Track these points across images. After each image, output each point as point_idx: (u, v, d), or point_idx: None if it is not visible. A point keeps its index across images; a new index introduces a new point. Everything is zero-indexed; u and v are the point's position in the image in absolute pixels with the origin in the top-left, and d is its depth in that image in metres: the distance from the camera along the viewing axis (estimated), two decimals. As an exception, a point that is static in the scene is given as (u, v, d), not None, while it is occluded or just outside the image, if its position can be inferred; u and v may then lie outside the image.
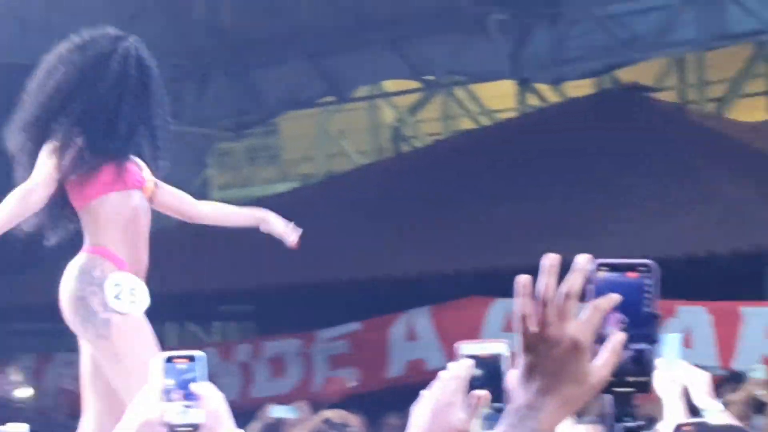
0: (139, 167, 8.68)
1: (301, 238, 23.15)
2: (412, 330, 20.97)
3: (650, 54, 24.03)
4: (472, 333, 18.72)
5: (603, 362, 2.83)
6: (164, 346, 24.84)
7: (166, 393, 3.87)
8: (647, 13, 22.95)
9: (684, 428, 7.65)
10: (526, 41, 24.90)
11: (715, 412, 8.03)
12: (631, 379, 2.94)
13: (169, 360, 4.04)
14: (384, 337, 21.33)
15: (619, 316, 2.94)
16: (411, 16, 24.69)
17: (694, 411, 8.28)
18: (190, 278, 24.32)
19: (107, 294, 8.54)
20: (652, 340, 2.95)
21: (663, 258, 18.22)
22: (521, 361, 2.93)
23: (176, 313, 26.45)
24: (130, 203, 8.53)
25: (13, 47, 25.08)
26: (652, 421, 8.99)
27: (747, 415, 14.37)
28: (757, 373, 16.47)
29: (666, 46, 24.00)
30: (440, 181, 24.68)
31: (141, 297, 8.65)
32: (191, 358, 4.04)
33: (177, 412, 3.81)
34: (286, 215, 24.20)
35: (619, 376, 2.91)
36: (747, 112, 27.30)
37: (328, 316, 22.26)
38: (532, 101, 27.68)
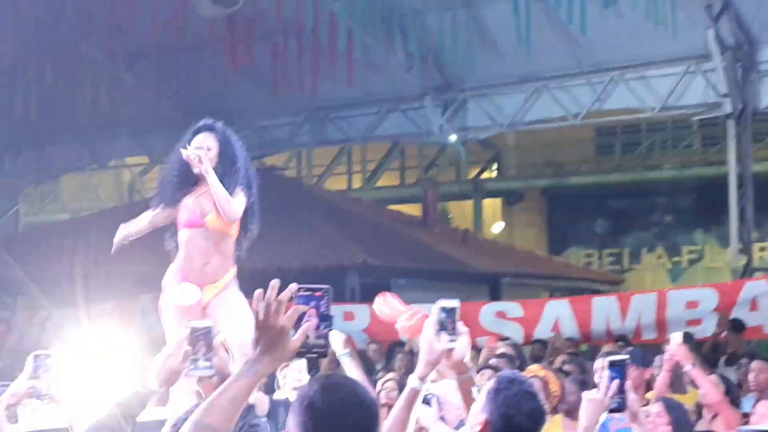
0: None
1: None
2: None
3: (282, 149, 23.62)
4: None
5: (296, 339, 3.12)
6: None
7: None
8: (282, 126, 22.42)
9: None
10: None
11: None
12: (315, 350, 3.21)
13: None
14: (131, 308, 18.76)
15: (314, 314, 3.23)
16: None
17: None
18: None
19: None
20: (329, 326, 3.24)
21: (292, 268, 16.65)
22: (254, 334, 3.18)
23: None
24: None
25: None
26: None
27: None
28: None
29: (293, 146, 23.92)
30: None
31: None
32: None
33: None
34: (68, 234, 22.93)
35: (308, 347, 3.16)
36: (336, 183, 27.84)
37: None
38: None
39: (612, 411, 4.56)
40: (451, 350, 4.26)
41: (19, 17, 19.43)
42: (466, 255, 20.73)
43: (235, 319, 6.46)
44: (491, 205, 28.69)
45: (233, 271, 6.78)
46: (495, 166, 28.85)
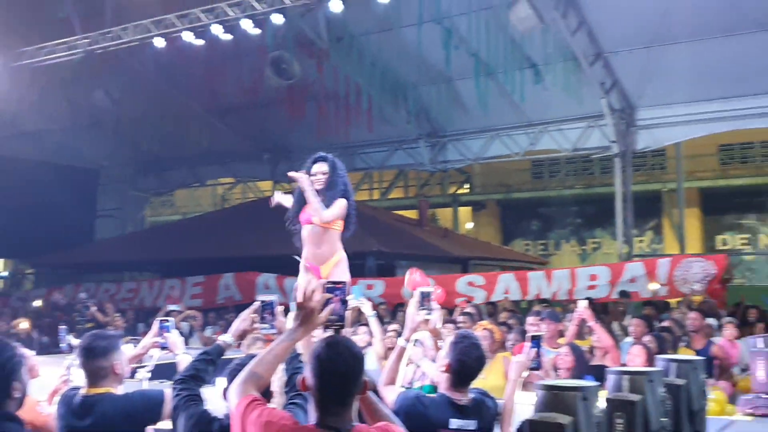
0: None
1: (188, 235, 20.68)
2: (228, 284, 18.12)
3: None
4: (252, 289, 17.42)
5: (323, 316, 3.04)
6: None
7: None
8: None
9: None
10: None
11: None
12: (336, 323, 3.07)
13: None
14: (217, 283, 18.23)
15: (336, 299, 3.11)
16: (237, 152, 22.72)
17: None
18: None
19: None
20: (346, 308, 3.12)
21: None
22: (295, 312, 3.09)
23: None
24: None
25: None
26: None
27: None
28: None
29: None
30: (242, 216, 22.03)
31: None
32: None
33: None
34: (179, 230, 23.01)
35: (331, 321, 3.05)
36: (360, 197, 26.92)
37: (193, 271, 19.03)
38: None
39: (532, 369, 4.56)
40: (427, 320, 4.51)
41: (146, 84, 19.73)
42: (447, 245, 20.51)
43: None
44: (464, 211, 28.42)
45: (339, 254, 6.29)
46: (467, 185, 28.58)
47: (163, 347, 4.46)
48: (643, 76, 15.71)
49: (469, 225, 28.86)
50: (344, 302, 3.19)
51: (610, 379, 3.97)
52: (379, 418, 3.04)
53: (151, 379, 5.10)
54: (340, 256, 6.25)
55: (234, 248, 19.42)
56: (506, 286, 15.57)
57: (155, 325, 4.49)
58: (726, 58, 14.53)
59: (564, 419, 3.13)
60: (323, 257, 6.22)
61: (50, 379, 4.60)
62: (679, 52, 14.90)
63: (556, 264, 25.60)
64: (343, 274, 6.12)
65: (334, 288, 3.16)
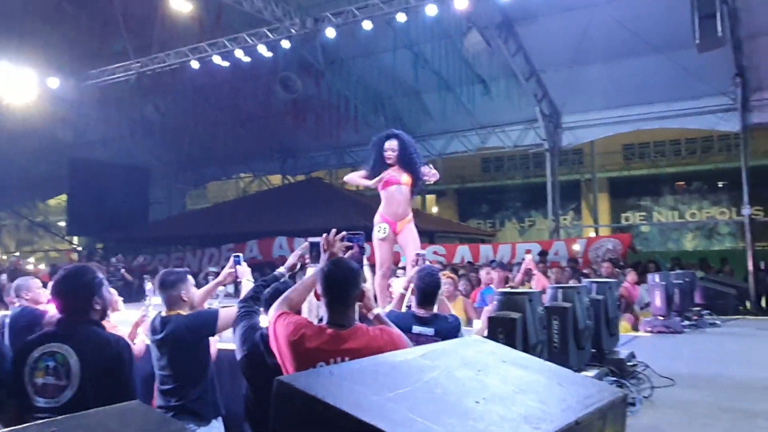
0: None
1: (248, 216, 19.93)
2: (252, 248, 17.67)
3: (321, 168, 22.61)
4: (270, 249, 17.05)
5: (345, 257, 2.97)
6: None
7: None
8: (321, 156, 21.38)
9: None
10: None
11: None
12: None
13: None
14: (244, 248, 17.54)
15: (354, 245, 3.08)
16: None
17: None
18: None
19: None
20: (363, 252, 3.09)
21: (329, 228, 16.65)
22: (323, 254, 3.08)
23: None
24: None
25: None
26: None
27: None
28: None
29: (328, 167, 22.36)
30: (259, 201, 21.96)
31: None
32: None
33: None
34: (211, 213, 22.88)
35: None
36: (351, 186, 27.12)
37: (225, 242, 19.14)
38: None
39: None
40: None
41: (185, 100, 19.38)
42: (418, 222, 20.21)
43: (411, 242, 5.71)
44: (430, 198, 28.41)
45: (411, 213, 5.86)
46: (431, 177, 28.50)
47: (235, 278, 4.33)
48: (566, 89, 15.59)
49: (434, 209, 28.54)
50: (362, 248, 3.06)
51: (549, 292, 3.95)
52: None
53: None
54: (412, 215, 5.88)
55: (253, 225, 19.58)
56: (462, 254, 15.71)
57: (231, 260, 4.33)
58: (628, 75, 14.44)
59: (515, 315, 3.11)
60: (403, 214, 5.82)
61: (130, 316, 4.60)
62: (593, 71, 14.80)
63: (501, 237, 25.75)
64: (413, 229, 5.76)
65: (354, 236, 3.06)
